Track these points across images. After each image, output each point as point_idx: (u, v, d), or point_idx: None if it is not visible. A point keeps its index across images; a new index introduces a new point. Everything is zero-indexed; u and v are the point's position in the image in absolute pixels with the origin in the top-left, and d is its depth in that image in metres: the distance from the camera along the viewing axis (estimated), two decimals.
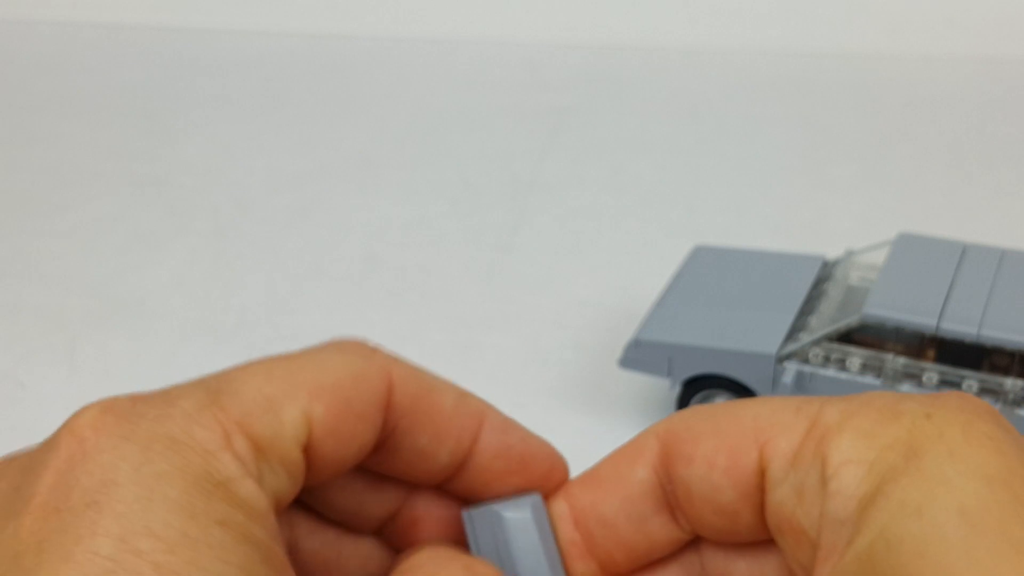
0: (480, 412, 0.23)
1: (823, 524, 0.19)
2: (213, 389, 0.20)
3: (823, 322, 0.49)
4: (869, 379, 0.47)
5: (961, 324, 0.46)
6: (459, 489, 0.24)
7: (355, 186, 0.77)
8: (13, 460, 0.19)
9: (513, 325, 0.60)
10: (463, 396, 0.23)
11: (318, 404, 0.21)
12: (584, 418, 0.52)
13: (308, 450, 0.21)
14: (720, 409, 0.22)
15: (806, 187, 0.75)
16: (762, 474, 0.21)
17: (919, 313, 0.46)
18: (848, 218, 0.70)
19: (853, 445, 0.19)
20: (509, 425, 0.23)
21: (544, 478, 0.23)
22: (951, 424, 0.19)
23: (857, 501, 0.18)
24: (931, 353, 0.47)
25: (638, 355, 0.50)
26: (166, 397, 0.19)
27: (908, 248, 0.51)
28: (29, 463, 0.18)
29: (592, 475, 0.23)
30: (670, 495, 0.22)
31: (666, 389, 0.51)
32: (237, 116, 0.89)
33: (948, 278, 0.48)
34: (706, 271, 0.55)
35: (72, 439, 0.18)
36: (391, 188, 0.76)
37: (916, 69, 0.94)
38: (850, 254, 0.54)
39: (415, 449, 0.23)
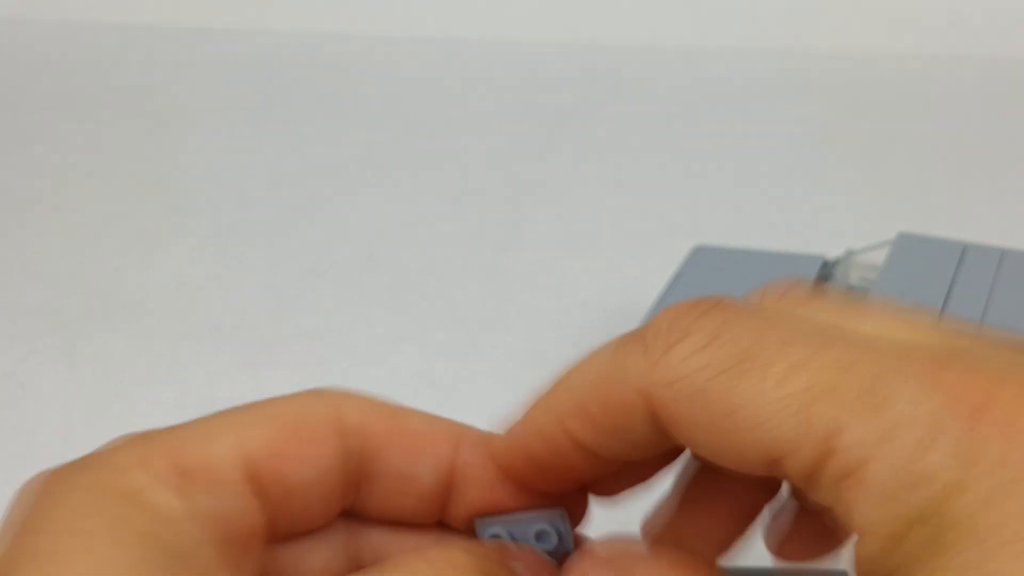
0: (455, 428, 0.23)
1: (854, 565, 0.17)
2: (148, 433, 0.20)
3: None
4: None
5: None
6: (459, 518, 0.23)
7: (355, 186, 0.77)
8: None
9: (513, 325, 0.60)
10: (433, 417, 0.23)
11: (255, 431, 0.21)
12: None
13: (256, 474, 0.21)
14: (720, 394, 0.18)
15: (806, 187, 0.75)
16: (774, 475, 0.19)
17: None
18: (848, 218, 0.70)
19: (876, 509, 0.16)
20: (490, 435, 0.23)
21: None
22: (988, 507, 0.16)
23: (886, 572, 0.16)
24: None
25: None
26: (104, 447, 0.21)
27: (908, 248, 0.51)
28: None
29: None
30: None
31: None
32: (237, 116, 0.89)
33: (948, 278, 0.48)
34: (706, 271, 0.55)
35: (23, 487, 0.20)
36: (391, 188, 0.76)
37: (916, 69, 0.94)
38: (850, 254, 0.54)
39: (394, 475, 0.22)
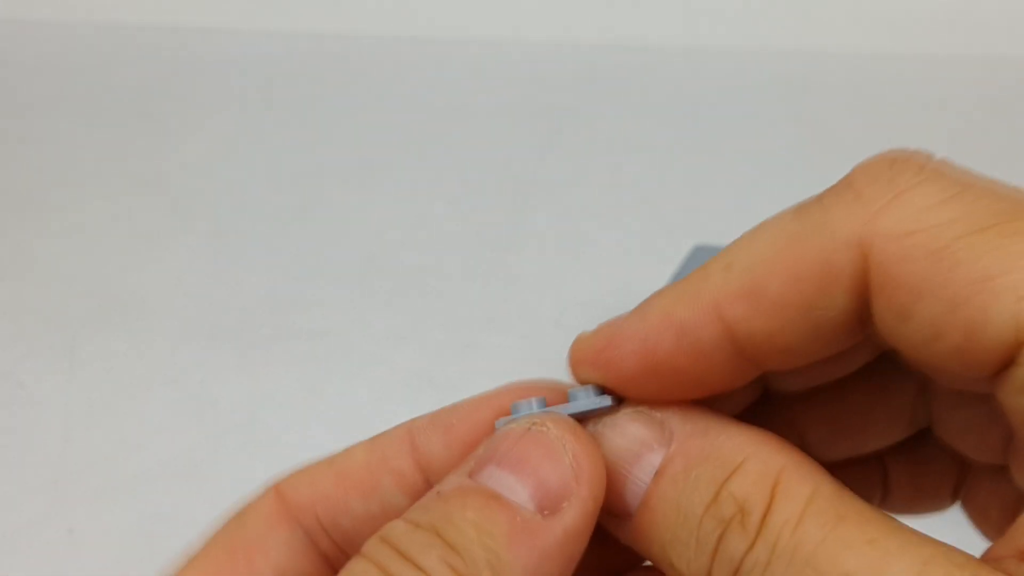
0: (400, 431, 0.21)
1: None
2: None
3: None
4: None
5: None
6: None
7: (355, 186, 0.77)
8: None
9: (513, 325, 0.60)
10: (374, 439, 0.21)
11: (191, 571, 0.20)
12: None
13: None
14: (955, 246, 0.15)
15: (806, 187, 0.74)
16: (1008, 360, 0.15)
17: None
18: None
19: None
20: (437, 413, 0.21)
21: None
22: None
23: None
24: None
25: None
26: None
27: None
28: None
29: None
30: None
31: None
32: (237, 116, 0.89)
33: None
34: None
35: None
36: (391, 188, 0.76)
37: (916, 69, 0.94)
38: None
39: (366, 521, 0.20)
